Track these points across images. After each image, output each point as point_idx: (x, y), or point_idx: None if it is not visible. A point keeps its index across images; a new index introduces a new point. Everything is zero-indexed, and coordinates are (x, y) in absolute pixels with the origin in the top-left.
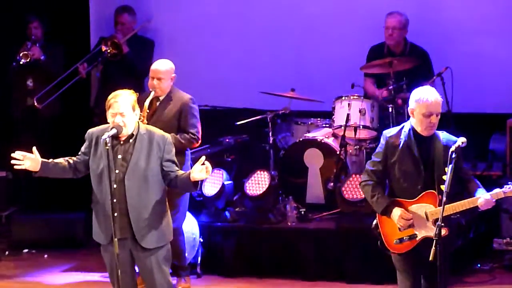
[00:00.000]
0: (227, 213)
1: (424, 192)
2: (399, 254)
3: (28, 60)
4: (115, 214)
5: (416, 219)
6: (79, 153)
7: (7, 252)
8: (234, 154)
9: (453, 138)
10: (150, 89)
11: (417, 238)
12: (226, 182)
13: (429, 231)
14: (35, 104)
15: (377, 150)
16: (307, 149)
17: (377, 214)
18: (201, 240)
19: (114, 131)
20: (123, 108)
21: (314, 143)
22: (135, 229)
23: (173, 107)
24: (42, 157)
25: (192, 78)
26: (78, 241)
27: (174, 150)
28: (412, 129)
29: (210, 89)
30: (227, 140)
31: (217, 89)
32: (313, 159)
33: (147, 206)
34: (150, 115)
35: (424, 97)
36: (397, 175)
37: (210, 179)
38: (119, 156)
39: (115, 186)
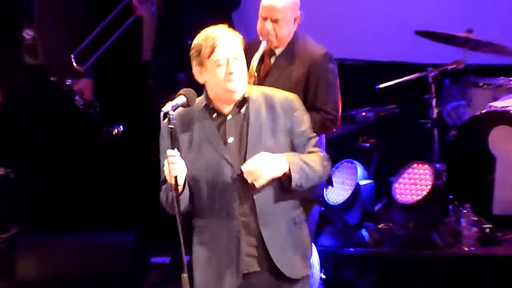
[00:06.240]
0: (364, 232)
1: None
2: None
3: None
4: None
5: None
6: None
7: None
8: (375, 136)
9: None
10: (261, 38)
11: None
12: (361, 182)
13: None
14: (75, 66)
15: None
16: (494, 127)
17: None
18: (323, 277)
19: (182, 99)
20: (238, 51)
21: (505, 117)
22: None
23: (299, 66)
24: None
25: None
26: (122, 279)
27: (307, 117)
28: None
29: (334, 32)
30: (363, 113)
31: (346, 32)
32: (504, 144)
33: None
34: (262, 79)
35: None
36: None
37: (337, 178)
38: (230, 139)
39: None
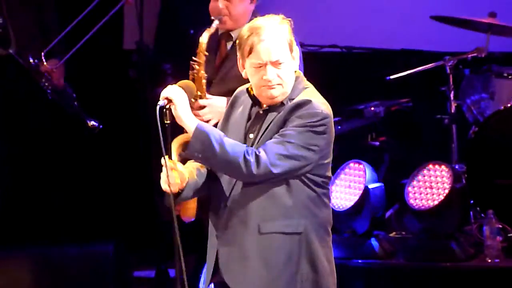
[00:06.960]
0: (374, 242)
1: None
2: None
3: None
4: None
5: None
6: None
7: None
8: (386, 134)
9: None
10: (213, 17)
11: None
12: (371, 186)
13: None
14: (45, 64)
15: None
16: None
17: None
18: None
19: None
20: (282, 55)
21: None
22: None
23: None
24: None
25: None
26: None
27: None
28: None
29: (339, 17)
30: (372, 108)
31: (352, 17)
32: None
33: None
34: (217, 66)
35: None
36: None
37: (343, 181)
38: (251, 135)
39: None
